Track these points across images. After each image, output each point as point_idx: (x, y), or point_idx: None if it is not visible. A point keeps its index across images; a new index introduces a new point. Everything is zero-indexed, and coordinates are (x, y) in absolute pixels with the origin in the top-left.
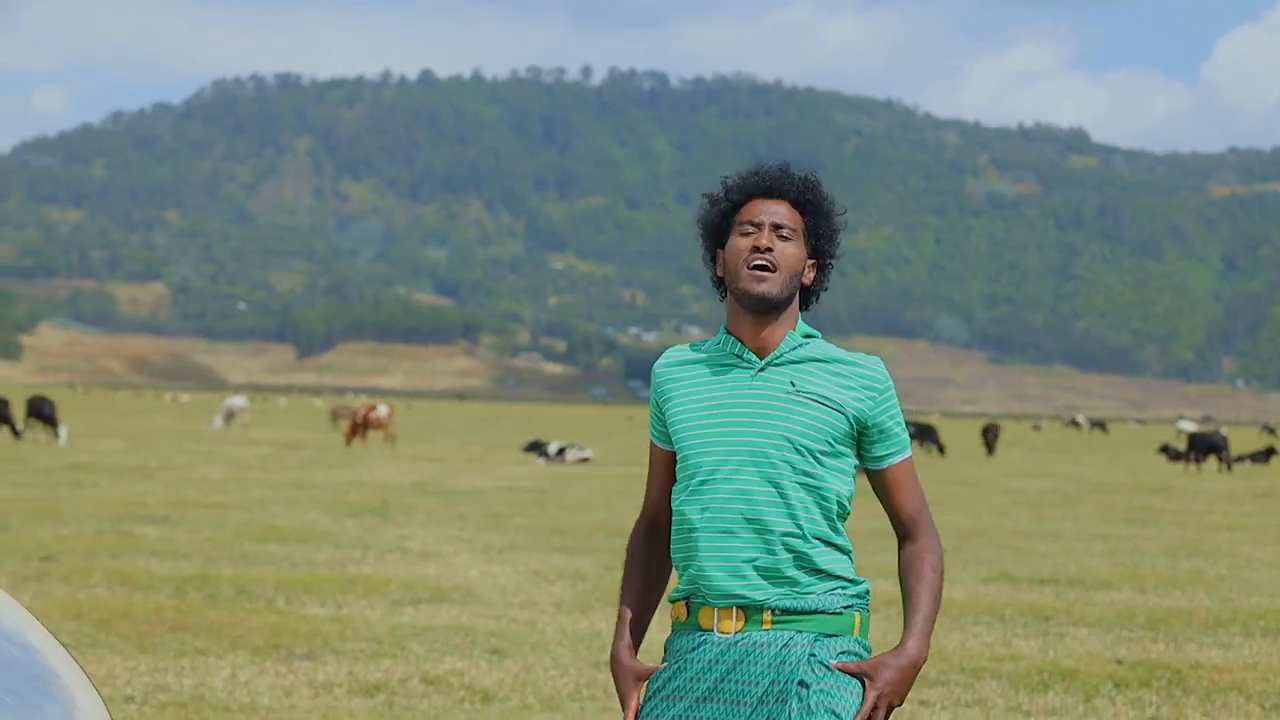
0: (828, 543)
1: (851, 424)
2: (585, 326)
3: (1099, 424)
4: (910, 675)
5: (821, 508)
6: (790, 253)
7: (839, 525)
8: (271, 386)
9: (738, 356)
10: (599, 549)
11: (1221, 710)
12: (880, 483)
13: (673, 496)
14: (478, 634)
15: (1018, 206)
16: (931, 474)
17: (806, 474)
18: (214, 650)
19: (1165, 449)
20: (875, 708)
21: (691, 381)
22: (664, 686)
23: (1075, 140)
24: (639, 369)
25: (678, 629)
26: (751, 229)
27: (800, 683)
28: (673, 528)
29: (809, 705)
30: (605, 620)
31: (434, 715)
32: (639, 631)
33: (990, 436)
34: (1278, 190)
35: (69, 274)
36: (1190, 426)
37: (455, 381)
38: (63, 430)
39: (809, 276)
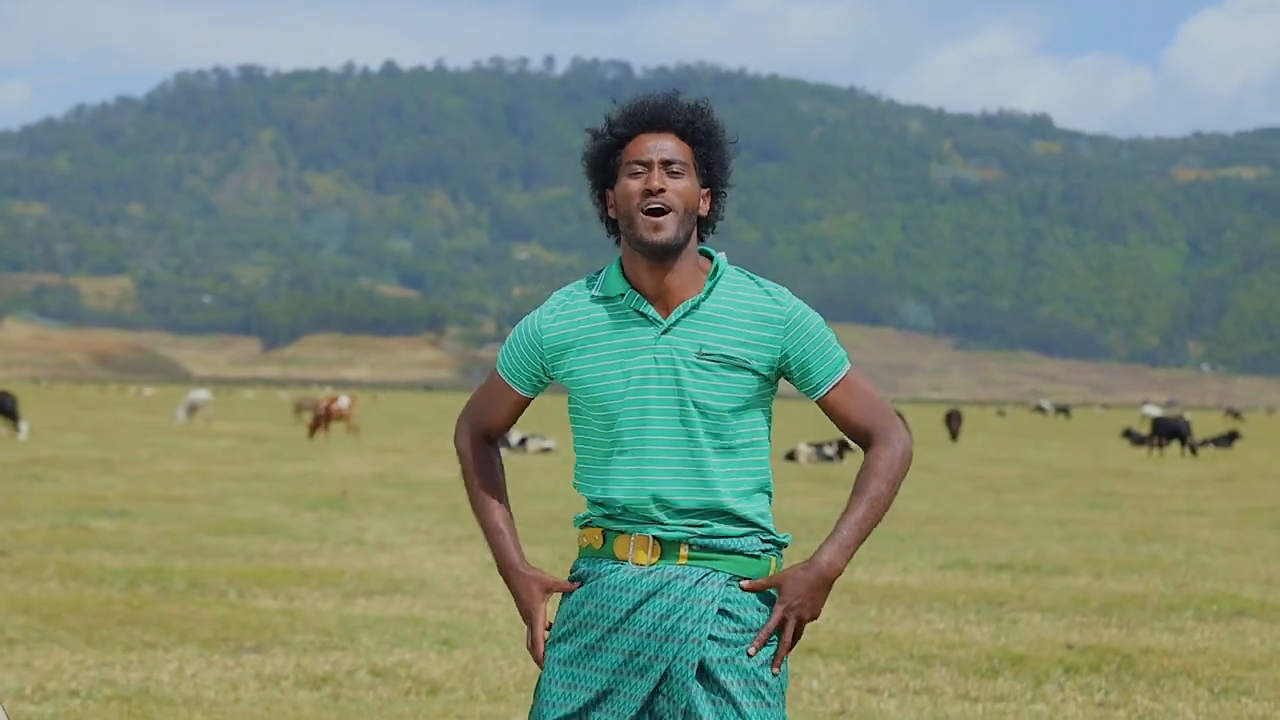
0: (746, 494)
1: (764, 374)
2: None
3: (1063, 409)
4: (821, 588)
5: (738, 463)
6: (683, 188)
7: (759, 477)
8: (237, 379)
9: (640, 314)
10: (555, 539)
11: (1170, 695)
12: (824, 408)
13: (584, 452)
14: (429, 625)
15: (982, 193)
16: None
17: (718, 434)
18: (163, 644)
19: (1128, 434)
20: (784, 621)
21: (590, 334)
22: (577, 611)
23: (1039, 126)
24: None
25: (588, 555)
26: (640, 168)
27: (722, 610)
28: (586, 458)
29: (721, 654)
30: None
31: (379, 707)
32: (516, 538)
33: (953, 423)
34: (1241, 175)
35: (33, 268)
36: (1155, 411)
37: (421, 373)
38: (23, 425)
39: (704, 208)
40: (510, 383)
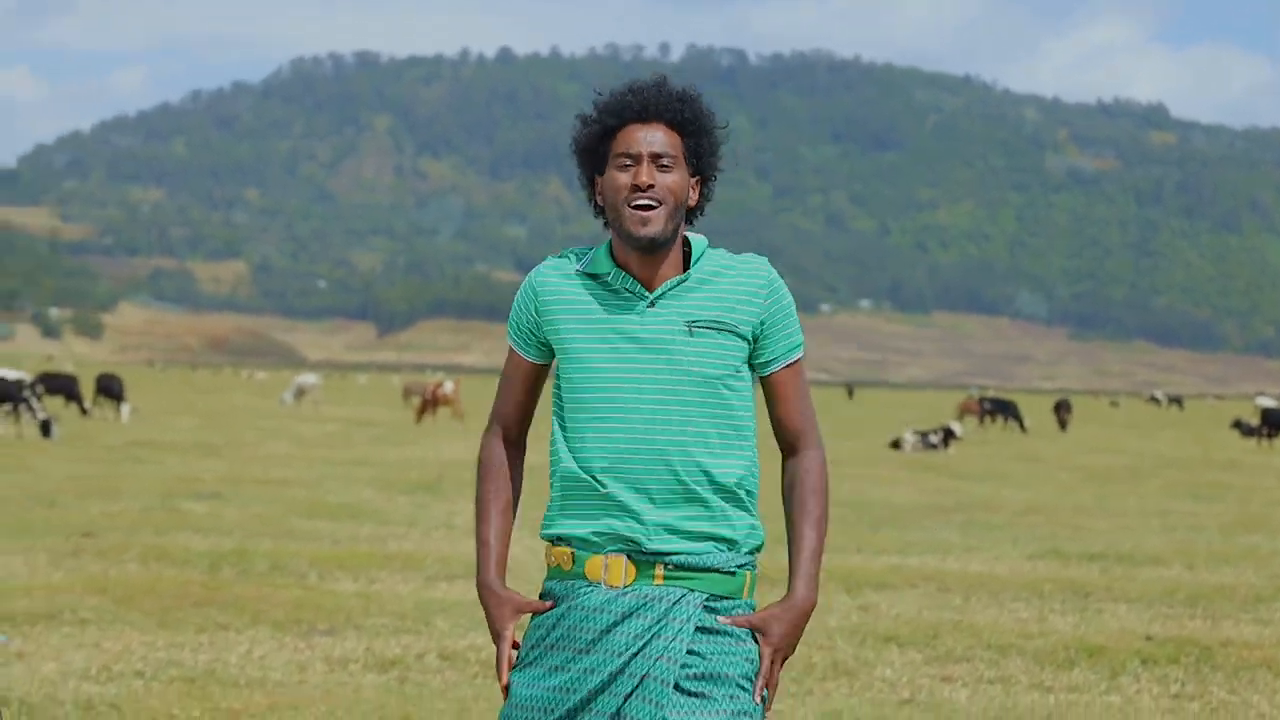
0: (725, 505)
1: (748, 340)
2: None
3: (1176, 400)
4: (801, 624)
5: (731, 434)
6: (673, 183)
7: (747, 452)
8: (351, 364)
9: (627, 290)
10: None
11: (1247, 687)
12: (766, 389)
13: (557, 430)
14: None
15: (1097, 182)
16: (1001, 449)
17: (713, 403)
18: (235, 625)
19: (1238, 424)
20: (772, 661)
21: (580, 306)
22: (547, 635)
23: (1154, 115)
24: None
25: (558, 575)
26: (629, 162)
27: (690, 650)
28: (556, 464)
29: (694, 671)
30: None
31: (444, 690)
32: (504, 555)
33: (1062, 413)
34: None
35: (149, 252)
36: (1269, 402)
37: None
38: (125, 407)
39: (693, 198)
40: (518, 349)
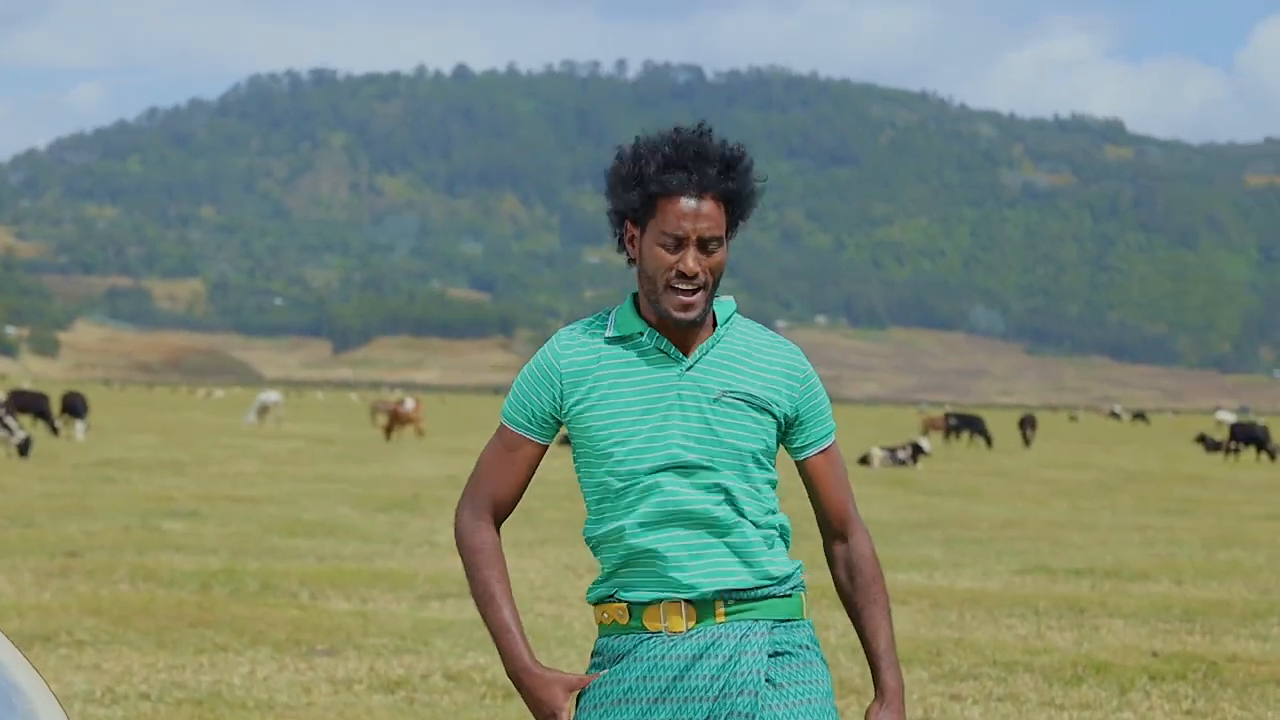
0: (770, 544)
1: (780, 421)
2: None
3: (1140, 415)
4: (905, 710)
5: (763, 506)
6: (716, 263)
7: (778, 522)
8: (308, 381)
9: (662, 352)
10: None
11: (1259, 703)
12: (804, 474)
13: (600, 504)
14: None
15: (1053, 197)
16: (968, 465)
17: (747, 476)
18: (234, 646)
19: (1202, 439)
20: None
21: (612, 377)
22: (611, 691)
23: (1110, 131)
24: None
25: (613, 631)
26: (673, 243)
27: (768, 680)
28: (603, 539)
29: (777, 696)
30: None
31: (454, 712)
32: (526, 637)
33: (1026, 428)
34: None
35: (105, 270)
36: (1229, 417)
37: (491, 376)
38: (79, 425)
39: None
40: (523, 431)
